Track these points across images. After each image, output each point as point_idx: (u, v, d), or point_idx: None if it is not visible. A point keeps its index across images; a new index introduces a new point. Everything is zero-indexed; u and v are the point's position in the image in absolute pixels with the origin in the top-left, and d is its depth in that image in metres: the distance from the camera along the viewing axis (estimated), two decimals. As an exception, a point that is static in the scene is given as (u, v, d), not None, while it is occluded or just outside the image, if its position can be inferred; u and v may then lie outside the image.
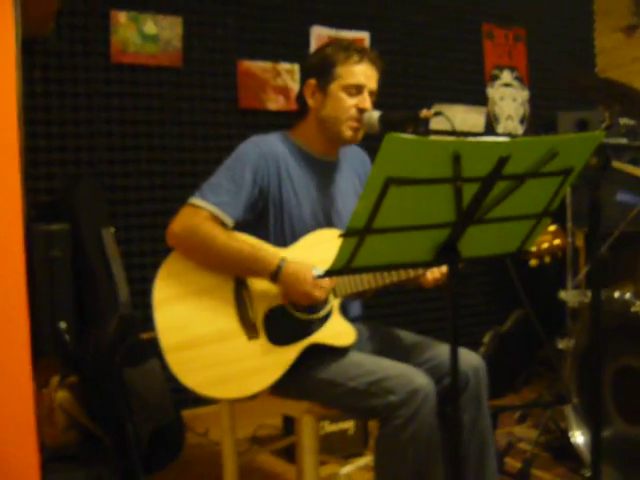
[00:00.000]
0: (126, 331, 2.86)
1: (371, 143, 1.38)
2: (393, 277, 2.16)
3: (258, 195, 2.22)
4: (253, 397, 2.09)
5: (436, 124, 2.06)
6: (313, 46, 3.87)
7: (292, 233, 2.25)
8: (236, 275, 2.15)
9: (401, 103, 4.01)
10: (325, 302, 2.17)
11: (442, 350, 2.17)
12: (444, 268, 2.16)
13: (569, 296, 3.33)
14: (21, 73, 1.93)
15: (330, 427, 3.10)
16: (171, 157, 3.57)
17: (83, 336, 2.88)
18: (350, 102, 2.23)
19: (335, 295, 2.17)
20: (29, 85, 3.15)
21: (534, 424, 3.41)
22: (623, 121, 3.58)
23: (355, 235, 1.48)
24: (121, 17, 3.41)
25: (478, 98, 4.51)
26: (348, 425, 3.14)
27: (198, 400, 3.13)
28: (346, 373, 2.04)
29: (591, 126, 3.84)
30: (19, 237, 1.86)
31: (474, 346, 3.14)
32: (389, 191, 1.41)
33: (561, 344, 3.10)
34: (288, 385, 2.10)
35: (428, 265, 2.01)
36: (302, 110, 2.36)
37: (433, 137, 1.49)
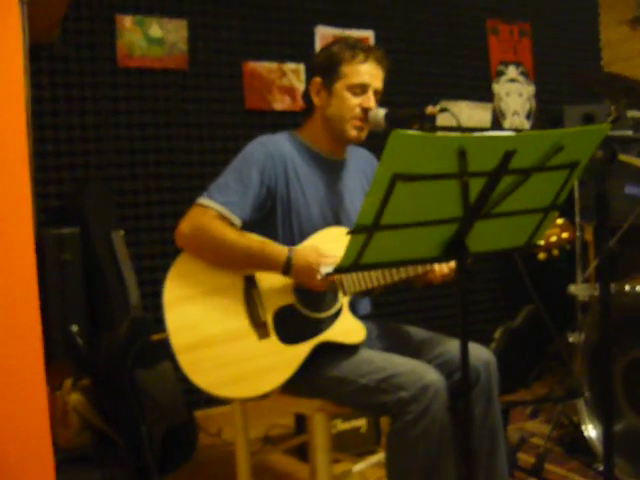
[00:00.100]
0: (137, 333, 2.87)
1: (377, 142, 1.38)
2: (402, 274, 2.16)
3: (266, 195, 2.23)
4: (265, 396, 2.10)
5: (442, 120, 2.06)
6: (318, 46, 3.88)
7: (300, 232, 2.25)
8: (246, 272, 2.16)
9: (407, 101, 4.01)
10: (335, 300, 2.17)
11: (452, 345, 2.17)
12: (452, 263, 2.16)
13: (579, 290, 3.32)
14: (29, 79, 1.95)
15: (342, 425, 3.10)
16: (179, 159, 3.58)
17: (95, 339, 2.90)
18: (354, 101, 2.23)
19: (344, 293, 2.18)
20: (37, 90, 3.17)
21: (546, 419, 3.41)
22: (631, 114, 3.58)
23: (363, 232, 1.49)
24: (126, 21, 3.43)
25: (484, 94, 4.51)
26: (360, 423, 3.14)
27: (210, 400, 3.15)
28: (357, 370, 2.05)
29: (598, 120, 3.83)
30: (30, 241, 1.87)
31: (485, 342, 3.14)
32: (396, 187, 1.42)
33: (572, 338, 3.10)
34: (299, 383, 2.11)
35: (436, 261, 2.01)
36: (308, 108, 2.37)
37: (438, 133, 1.49)
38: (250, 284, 2.16)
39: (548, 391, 3.67)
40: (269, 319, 2.13)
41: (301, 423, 3.08)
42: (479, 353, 2.13)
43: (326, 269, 2.05)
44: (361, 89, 2.23)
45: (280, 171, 2.25)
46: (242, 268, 2.16)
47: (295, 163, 2.29)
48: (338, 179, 2.38)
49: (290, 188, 2.26)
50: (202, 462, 3.09)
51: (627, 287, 2.77)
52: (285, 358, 2.10)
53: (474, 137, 1.45)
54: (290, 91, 3.85)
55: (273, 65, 3.81)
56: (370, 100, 2.24)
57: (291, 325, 2.13)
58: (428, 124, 2.05)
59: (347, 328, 2.16)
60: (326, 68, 2.29)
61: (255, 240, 2.15)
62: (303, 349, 2.11)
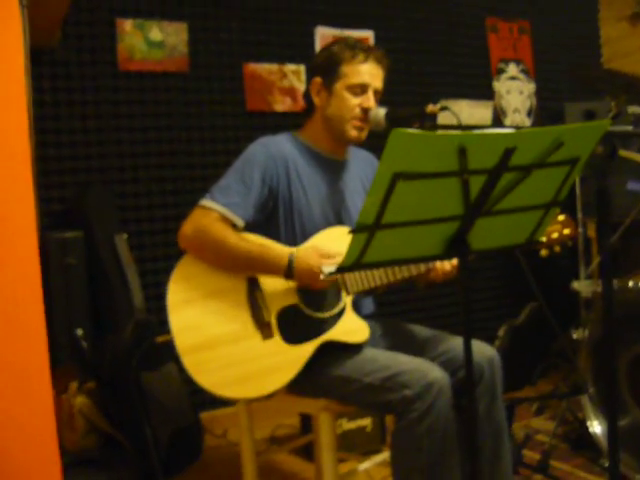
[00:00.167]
0: (142, 336, 2.88)
1: (378, 142, 1.39)
2: (404, 272, 2.17)
3: (268, 195, 2.24)
4: (270, 396, 2.10)
5: (443, 119, 2.07)
6: (318, 46, 3.89)
7: (302, 232, 2.26)
8: (248, 275, 2.17)
9: (408, 100, 4.02)
10: (338, 300, 2.18)
11: (456, 343, 2.18)
12: (454, 261, 2.16)
13: (582, 286, 3.33)
14: (30, 83, 1.95)
15: (348, 425, 3.11)
16: (180, 162, 3.59)
17: (100, 342, 2.91)
18: (354, 101, 2.24)
19: (347, 292, 2.19)
20: (38, 95, 3.18)
21: (551, 416, 3.41)
22: (631, 110, 3.58)
23: (364, 231, 1.49)
24: (127, 25, 3.44)
25: (484, 92, 4.51)
26: (366, 422, 3.15)
27: (216, 402, 3.16)
28: (361, 369, 2.05)
29: (598, 116, 3.83)
30: (34, 246, 1.87)
31: (489, 340, 3.13)
32: (397, 186, 1.42)
33: (575, 334, 3.10)
34: (304, 383, 2.11)
35: (438, 259, 2.02)
36: (309, 109, 2.38)
37: (438, 131, 1.50)
38: (253, 285, 2.17)
39: (553, 388, 3.68)
40: (273, 319, 2.14)
41: (307, 423, 3.09)
42: (482, 350, 2.14)
43: (328, 269, 2.06)
44: (361, 89, 2.24)
45: (282, 171, 2.26)
46: (244, 272, 2.16)
47: (296, 163, 2.30)
48: (339, 179, 2.39)
49: (292, 188, 2.27)
50: (208, 463, 3.10)
51: (630, 283, 2.77)
52: (289, 358, 2.10)
53: (474, 135, 1.45)
54: (291, 92, 3.85)
55: (273, 66, 3.82)
56: (370, 100, 2.24)
57: (295, 325, 2.13)
58: (428, 123, 2.05)
59: (350, 327, 2.16)
60: (326, 68, 2.30)
61: (255, 244, 2.15)
62: (307, 349, 2.11)
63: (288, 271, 2.10)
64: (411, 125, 2.04)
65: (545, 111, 4.69)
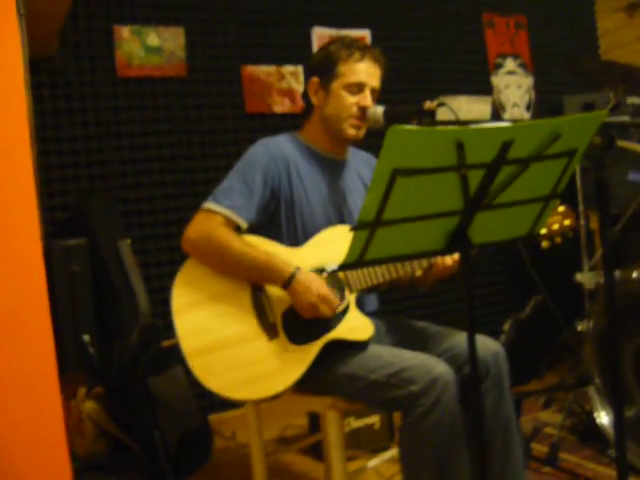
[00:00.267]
0: (148, 340, 2.89)
1: (377, 141, 1.40)
2: (406, 268, 2.18)
3: (270, 196, 2.24)
4: (277, 397, 2.11)
5: (443, 115, 2.07)
6: (315, 47, 3.90)
7: (304, 231, 2.26)
8: (249, 281, 2.17)
9: (406, 98, 4.01)
10: (342, 298, 2.18)
11: (461, 339, 2.18)
12: (455, 255, 2.17)
13: (585, 278, 3.33)
14: (30, 92, 1.96)
15: (356, 423, 3.12)
16: (182, 166, 3.60)
17: (106, 347, 2.92)
18: (351, 100, 2.25)
19: (351, 290, 2.19)
20: (38, 104, 3.19)
21: (559, 409, 3.41)
22: (631, 100, 3.58)
23: (366, 228, 1.50)
24: (124, 31, 3.45)
25: (483, 88, 4.52)
26: (374, 420, 3.16)
27: (224, 404, 3.17)
28: (366, 366, 2.06)
29: (598, 108, 3.84)
30: (38, 254, 1.88)
31: (495, 335, 3.15)
32: (396, 182, 1.43)
33: (580, 326, 3.10)
34: (310, 382, 2.12)
35: (440, 254, 2.01)
36: (308, 109, 2.39)
37: (435, 127, 1.50)
38: (257, 287, 2.17)
39: (559, 380, 3.68)
40: (278, 320, 2.14)
41: (315, 422, 3.09)
42: (487, 345, 2.14)
43: (331, 267, 2.06)
44: (358, 88, 2.25)
45: (283, 172, 2.27)
46: (246, 278, 2.16)
47: (297, 164, 2.31)
48: (340, 178, 2.39)
49: (293, 189, 2.27)
50: (218, 465, 3.11)
51: (634, 274, 2.77)
52: (295, 358, 2.11)
53: (471, 129, 1.46)
54: (289, 93, 3.86)
55: (271, 68, 3.83)
56: (367, 99, 2.25)
57: (300, 325, 2.13)
58: (427, 119, 2.06)
59: (355, 325, 2.17)
60: (323, 68, 2.31)
61: (261, 252, 2.15)
62: (313, 348, 2.12)
63: (287, 282, 2.10)
64: (409, 122, 2.05)
65: (544, 105, 4.69)
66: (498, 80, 4.57)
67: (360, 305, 2.23)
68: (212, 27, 3.70)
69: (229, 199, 2.18)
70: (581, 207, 3.47)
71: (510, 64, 4.62)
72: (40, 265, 1.88)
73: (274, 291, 2.16)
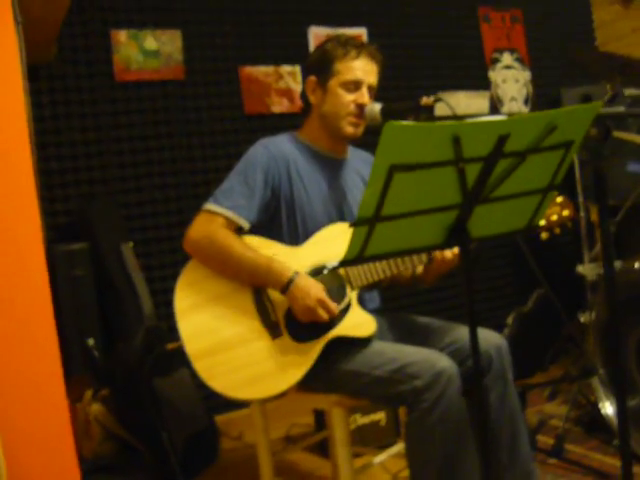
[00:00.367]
0: (153, 343, 2.90)
1: (376, 139, 1.41)
2: (407, 264, 2.19)
3: (270, 196, 2.25)
4: (282, 395, 2.13)
5: (441, 110, 2.09)
6: (312, 46, 3.90)
7: (305, 230, 2.27)
8: (250, 284, 2.18)
9: (404, 95, 4.02)
10: (343, 295, 2.19)
11: (463, 332, 2.19)
12: (455, 249, 2.17)
13: (587, 270, 3.34)
14: (29, 99, 1.97)
15: (362, 419, 3.12)
16: (182, 168, 3.61)
17: (111, 351, 2.93)
18: (349, 98, 2.26)
19: (352, 287, 2.20)
20: (37, 110, 3.21)
21: (564, 401, 3.41)
22: (628, 92, 3.58)
23: (365, 224, 1.51)
24: (121, 36, 3.46)
25: (481, 83, 4.52)
26: (379, 416, 3.16)
27: (230, 405, 3.17)
28: (370, 363, 2.07)
29: (595, 100, 3.84)
30: (41, 260, 1.89)
31: (498, 328, 3.15)
32: (394, 178, 1.44)
33: (582, 318, 3.11)
34: (315, 380, 2.13)
35: (439, 248, 2.01)
36: (306, 108, 2.40)
37: (431, 122, 1.51)
38: (259, 287, 2.18)
39: (564, 372, 3.68)
40: (281, 319, 2.15)
41: (321, 420, 3.10)
42: (490, 338, 2.15)
43: (332, 264, 2.07)
44: (354, 85, 2.26)
45: (283, 171, 2.28)
46: (247, 280, 2.17)
47: (297, 163, 2.32)
48: (339, 176, 2.40)
49: (293, 188, 2.28)
50: (225, 466, 3.11)
51: (636, 264, 2.78)
52: (299, 356, 2.12)
53: (467, 124, 1.47)
54: (288, 93, 3.87)
55: (269, 68, 3.84)
56: (364, 96, 2.26)
57: (303, 323, 2.14)
58: (424, 115, 2.07)
59: (357, 322, 2.18)
60: (320, 66, 2.32)
61: (262, 256, 2.16)
62: (316, 346, 2.13)
63: (285, 286, 2.11)
64: (406, 118, 2.06)
65: (542, 98, 4.69)
66: (495, 75, 4.57)
67: (362, 303, 2.24)
68: (209, 29, 3.70)
69: (230, 200, 2.19)
70: (581, 199, 3.47)
71: (507, 58, 4.62)
72: (43, 270, 1.89)
73: (276, 291, 2.17)
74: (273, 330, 2.14)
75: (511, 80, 4.61)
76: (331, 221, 2.30)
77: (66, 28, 3.23)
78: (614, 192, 3.19)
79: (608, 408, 2.85)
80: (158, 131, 3.56)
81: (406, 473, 2.10)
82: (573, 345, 3.87)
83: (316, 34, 3.96)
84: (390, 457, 2.62)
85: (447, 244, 1.69)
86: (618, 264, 2.90)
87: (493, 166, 1.51)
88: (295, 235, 2.27)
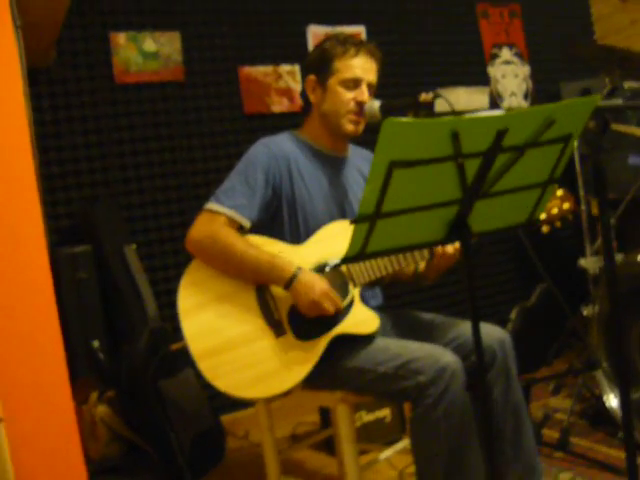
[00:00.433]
0: (157, 344, 2.91)
1: (373, 137, 1.42)
2: (409, 259, 2.19)
3: (272, 195, 2.26)
4: (287, 393, 2.13)
5: (441, 107, 2.09)
6: (311, 45, 3.90)
7: (306, 228, 2.28)
8: (253, 282, 2.18)
9: (404, 92, 4.01)
10: (346, 293, 2.20)
11: (466, 328, 2.19)
12: (457, 244, 2.18)
13: (589, 263, 3.34)
14: (29, 103, 1.98)
15: (367, 417, 3.13)
16: (183, 170, 3.62)
17: (116, 352, 2.94)
18: (348, 96, 2.27)
19: (354, 284, 2.21)
20: (38, 114, 3.22)
21: (568, 394, 3.42)
22: (628, 85, 3.58)
23: (366, 221, 1.52)
24: (120, 38, 3.47)
25: (480, 78, 4.52)
26: (385, 413, 3.17)
27: (236, 404, 3.19)
28: (374, 359, 2.08)
29: (595, 94, 3.84)
30: (45, 263, 1.90)
31: (501, 323, 3.16)
32: (394, 175, 1.45)
33: (586, 311, 3.11)
34: (319, 377, 2.14)
35: (441, 243, 2.01)
36: (307, 107, 2.40)
37: (430, 118, 1.52)
38: (262, 285, 2.18)
39: (568, 366, 3.69)
40: (284, 317, 2.16)
41: (326, 418, 3.10)
42: (493, 332, 2.16)
43: (333, 261, 2.08)
44: (354, 83, 2.27)
45: (284, 170, 2.28)
46: (250, 279, 2.17)
47: (298, 161, 2.32)
48: (341, 174, 2.41)
49: (294, 186, 2.29)
50: (231, 465, 3.12)
51: (639, 257, 2.78)
52: (303, 354, 2.12)
53: (465, 119, 1.47)
54: (287, 93, 3.88)
55: (268, 68, 3.84)
56: (364, 94, 2.27)
57: (306, 321, 2.15)
58: (423, 111, 2.08)
59: (360, 318, 2.18)
60: (319, 65, 2.32)
61: (264, 253, 2.16)
62: (320, 343, 2.13)
63: (289, 282, 2.12)
64: (406, 115, 2.07)
65: (542, 92, 4.69)
66: (495, 70, 4.57)
67: (365, 300, 2.25)
68: (207, 30, 3.71)
69: (231, 199, 2.20)
70: (582, 192, 3.47)
71: (506, 54, 4.62)
72: (47, 274, 1.90)
73: (279, 289, 2.17)
74: (277, 329, 2.15)
75: (510, 75, 4.61)
76: (332, 219, 2.31)
77: (65, 32, 3.24)
78: (615, 185, 3.20)
79: (612, 401, 2.85)
80: (159, 132, 3.57)
81: (412, 469, 2.10)
82: (577, 339, 3.87)
83: (315, 33, 3.97)
84: (396, 453, 2.62)
85: (448, 239, 1.69)
86: (620, 257, 2.91)
87: (492, 161, 1.52)
88: (297, 234, 2.28)
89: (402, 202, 1.52)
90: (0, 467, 1.72)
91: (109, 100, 3.46)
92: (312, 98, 2.35)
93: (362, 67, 2.29)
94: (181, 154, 3.62)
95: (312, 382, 2.15)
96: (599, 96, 1.60)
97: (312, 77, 2.34)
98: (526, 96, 4.66)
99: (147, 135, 3.54)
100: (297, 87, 3.84)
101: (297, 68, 3.89)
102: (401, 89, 4.00)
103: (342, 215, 2.34)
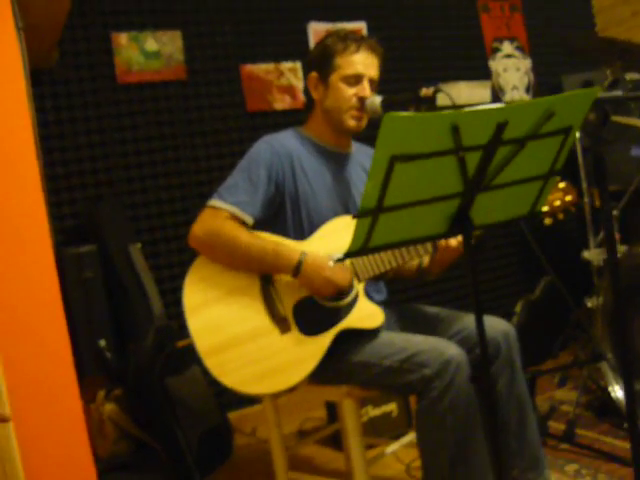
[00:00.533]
0: (163, 342, 2.92)
1: (375, 132, 1.43)
2: (412, 254, 2.20)
3: (274, 191, 2.27)
4: (293, 389, 2.14)
5: (443, 101, 2.10)
6: (312, 42, 3.91)
7: (310, 224, 2.29)
8: (260, 273, 2.20)
9: (406, 87, 4.01)
10: (350, 288, 2.21)
11: (470, 320, 2.20)
12: (459, 237, 2.18)
13: (592, 255, 3.34)
14: (33, 104, 1.99)
15: (374, 411, 3.14)
16: (187, 168, 3.63)
17: (123, 351, 2.95)
18: (350, 92, 2.28)
19: (359, 279, 2.22)
20: (41, 115, 3.24)
21: (574, 386, 3.42)
22: (630, 76, 3.58)
23: (368, 215, 1.52)
24: (122, 38, 3.48)
25: (482, 73, 4.52)
26: (391, 407, 3.18)
27: (243, 400, 3.20)
28: (379, 353, 2.09)
29: (596, 86, 3.84)
30: (51, 263, 1.91)
31: (506, 317, 3.16)
32: (395, 169, 1.45)
33: (590, 303, 3.12)
34: (325, 372, 2.15)
35: (443, 237, 2.01)
36: (309, 104, 2.41)
37: (430, 112, 1.53)
38: (266, 281, 2.20)
39: (573, 358, 3.69)
40: (289, 313, 2.17)
41: (333, 414, 3.11)
42: (497, 325, 2.17)
43: (336, 256, 2.09)
44: (355, 79, 2.27)
45: (287, 167, 2.29)
46: (256, 269, 2.19)
47: (301, 158, 2.33)
48: (344, 170, 2.42)
49: (297, 182, 2.30)
50: (239, 461, 3.14)
51: (642, 249, 2.79)
52: (309, 349, 2.13)
53: (465, 112, 1.48)
54: (289, 90, 3.88)
55: (270, 66, 3.85)
56: (365, 89, 2.27)
57: (311, 316, 2.16)
58: (424, 106, 2.08)
59: (365, 313, 2.20)
60: (320, 62, 2.33)
61: (269, 241, 2.18)
62: (325, 339, 2.14)
63: (296, 269, 2.13)
64: (407, 110, 2.07)
65: (543, 86, 4.69)
66: (496, 64, 4.57)
67: (369, 295, 2.26)
68: (209, 28, 3.71)
69: (234, 196, 2.21)
70: (584, 185, 3.47)
71: (507, 47, 4.62)
72: (53, 274, 1.91)
73: (283, 284, 2.18)
74: (282, 325, 2.16)
75: (512, 69, 4.61)
76: (336, 215, 2.32)
77: (67, 32, 3.25)
78: (618, 177, 3.20)
79: (618, 392, 2.86)
80: (161, 132, 3.58)
81: (419, 463, 2.12)
82: (581, 331, 3.88)
83: (315, 30, 3.97)
84: (402, 447, 2.63)
85: (450, 233, 1.70)
86: (623, 248, 2.91)
87: (493, 154, 1.53)
88: (300, 230, 2.29)
89: (404, 196, 1.52)
90: (10, 466, 1.73)
91: (112, 100, 3.47)
92: (314, 95, 2.36)
93: (363, 63, 2.30)
94: (184, 153, 3.63)
95: (318, 377, 2.16)
96: (598, 88, 1.61)
97: (314, 74, 2.35)
98: (528, 89, 4.65)
99: (150, 134, 3.55)
100: (299, 84, 3.85)
101: (299, 65, 3.89)
102: (402, 84, 4.00)
103: (346, 211, 2.35)
